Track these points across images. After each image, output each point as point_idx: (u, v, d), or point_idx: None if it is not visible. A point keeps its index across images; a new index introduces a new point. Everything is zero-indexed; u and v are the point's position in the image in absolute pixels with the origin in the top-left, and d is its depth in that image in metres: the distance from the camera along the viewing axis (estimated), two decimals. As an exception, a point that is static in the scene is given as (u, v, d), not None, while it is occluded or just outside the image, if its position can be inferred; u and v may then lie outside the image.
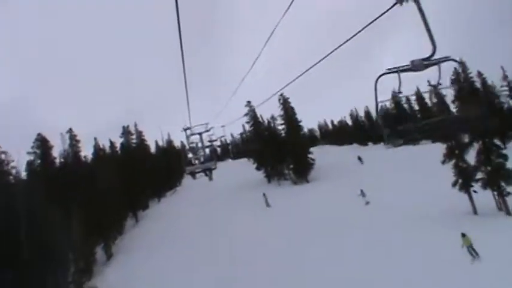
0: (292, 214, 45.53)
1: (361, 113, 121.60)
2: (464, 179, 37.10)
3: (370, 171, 61.92)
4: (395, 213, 37.68)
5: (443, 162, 39.16)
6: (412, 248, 28.44)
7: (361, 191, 43.95)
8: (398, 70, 6.38)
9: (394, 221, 35.76)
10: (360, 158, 72.21)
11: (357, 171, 63.99)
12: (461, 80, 42.90)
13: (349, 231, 35.37)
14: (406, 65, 6.39)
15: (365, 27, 7.63)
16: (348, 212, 41.20)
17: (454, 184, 37.34)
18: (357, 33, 7.89)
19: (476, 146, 37.83)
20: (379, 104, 7.22)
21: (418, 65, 6.36)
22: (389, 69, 6.43)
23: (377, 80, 6.60)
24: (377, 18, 7.20)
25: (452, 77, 41.66)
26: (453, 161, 38.41)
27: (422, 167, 50.87)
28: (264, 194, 54.14)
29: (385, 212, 38.76)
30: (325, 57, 9.22)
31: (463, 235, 25.62)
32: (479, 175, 37.06)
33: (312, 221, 40.93)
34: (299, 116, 73.25)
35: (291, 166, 69.57)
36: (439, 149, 40.79)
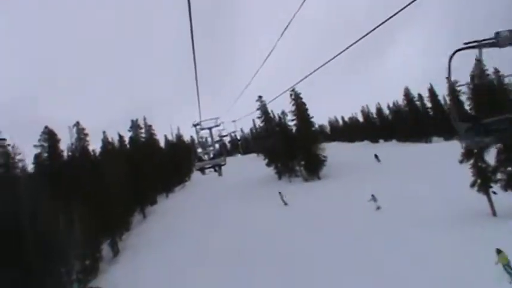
0: (306, 213, 44.27)
1: (373, 110, 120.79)
2: (483, 180, 35.70)
3: (387, 170, 59.91)
4: (409, 216, 36.40)
5: (461, 161, 37.67)
6: (427, 256, 27.06)
7: (372, 195, 41.39)
8: (480, 45, 4.91)
9: (408, 224, 34.36)
10: (376, 156, 69.81)
11: (374, 170, 62.27)
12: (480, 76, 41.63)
13: (363, 234, 34.12)
14: (490, 39, 4.91)
15: (386, 20, 6.83)
16: (360, 215, 39.83)
17: (473, 185, 35.87)
18: (377, 27, 7.20)
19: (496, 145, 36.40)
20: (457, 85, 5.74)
21: (505, 38, 4.86)
22: (468, 43, 4.99)
23: (451, 56, 5.15)
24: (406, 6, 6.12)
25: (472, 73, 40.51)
26: (472, 161, 36.97)
27: (440, 166, 49.36)
28: (280, 193, 52.15)
29: (399, 215, 37.43)
30: (341, 53, 8.64)
31: (499, 251, 22.35)
32: (499, 176, 35.62)
33: (325, 221, 39.80)
34: (310, 112, 72.00)
35: (302, 162, 68.34)
36: (456, 147, 39.21)
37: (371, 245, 30.96)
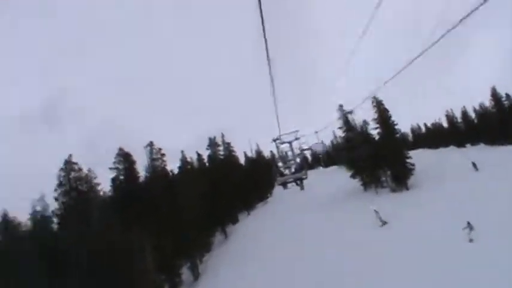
0: (401, 231, 38.26)
1: (457, 113, 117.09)
2: None
3: (483, 177, 51.67)
4: None
5: None
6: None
7: (468, 223, 32.05)
8: None
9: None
10: (474, 164, 60.99)
11: (468, 178, 54.55)
12: None
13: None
14: None
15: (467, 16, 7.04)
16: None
17: None
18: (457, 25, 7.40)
19: None
20: None
21: None
22: None
23: None
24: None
25: None
26: None
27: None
28: (375, 211, 45.03)
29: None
30: (417, 57, 9.10)
31: None
32: None
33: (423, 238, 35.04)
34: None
35: (389, 172, 64.11)
36: None
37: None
